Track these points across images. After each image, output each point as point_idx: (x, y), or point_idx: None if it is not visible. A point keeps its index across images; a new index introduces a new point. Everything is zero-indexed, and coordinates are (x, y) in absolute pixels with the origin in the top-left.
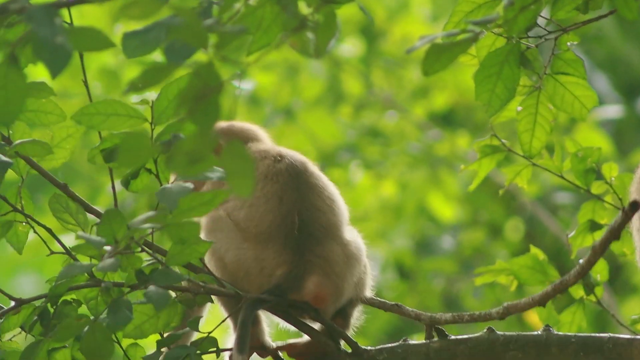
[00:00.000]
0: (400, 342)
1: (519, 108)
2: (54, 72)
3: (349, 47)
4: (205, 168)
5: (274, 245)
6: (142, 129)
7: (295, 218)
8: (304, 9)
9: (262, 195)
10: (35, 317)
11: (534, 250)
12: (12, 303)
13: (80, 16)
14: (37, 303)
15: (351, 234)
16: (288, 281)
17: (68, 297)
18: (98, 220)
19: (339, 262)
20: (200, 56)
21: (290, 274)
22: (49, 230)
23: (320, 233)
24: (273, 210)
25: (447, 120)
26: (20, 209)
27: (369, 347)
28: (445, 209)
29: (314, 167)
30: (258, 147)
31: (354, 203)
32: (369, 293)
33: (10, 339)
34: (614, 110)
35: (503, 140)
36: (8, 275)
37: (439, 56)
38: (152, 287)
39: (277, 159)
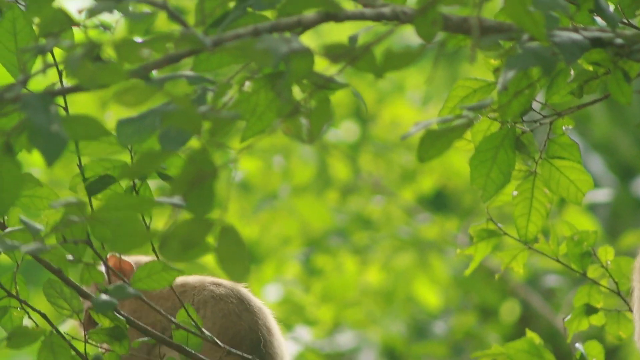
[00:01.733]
0: None
1: (515, 192)
2: (50, 160)
3: (339, 131)
4: (199, 254)
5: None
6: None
7: (259, 335)
8: (297, 94)
9: (217, 311)
10: None
11: (530, 334)
12: None
13: (70, 103)
14: None
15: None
16: None
17: None
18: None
19: None
20: (195, 142)
21: None
22: (43, 315)
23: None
24: (234, 325)
25: (435, 204)
26: (15, 294)
27: None
28: (431, 295)
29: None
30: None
31: (343, 288)
32: None
33: None
34: (607, 193)
35: (499, 225)
36: (3, 357)
37: (435, 142)
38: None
39: (216, 284)
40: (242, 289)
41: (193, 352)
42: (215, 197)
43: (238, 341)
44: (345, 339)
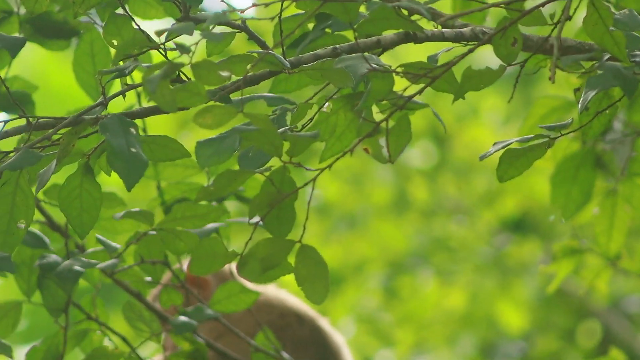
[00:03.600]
0: None
1: (596, 210)
2: (129, 184)
3: (416, 152)
4: (279, 275)
5: None
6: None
7: None
8: (377, 115)
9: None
10: None
11: (614, 352)
12: None
13: (148, 125)
14: None
15: None
16: None
17: None
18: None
19: None
20: (274, 162)
21: None
22: (123, 338)
23: None
24: None
25: (518, 226)
26: (95, 317)
27: None
28: (515, 318)
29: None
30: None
31: (423, 310)
32: None
33: None
34: None
35: (583, 240)
36: None
37: (514, 161)
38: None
39: (299, 319)
40: (323, 325)
41: None
42: (294, 218)
43: None
44: None
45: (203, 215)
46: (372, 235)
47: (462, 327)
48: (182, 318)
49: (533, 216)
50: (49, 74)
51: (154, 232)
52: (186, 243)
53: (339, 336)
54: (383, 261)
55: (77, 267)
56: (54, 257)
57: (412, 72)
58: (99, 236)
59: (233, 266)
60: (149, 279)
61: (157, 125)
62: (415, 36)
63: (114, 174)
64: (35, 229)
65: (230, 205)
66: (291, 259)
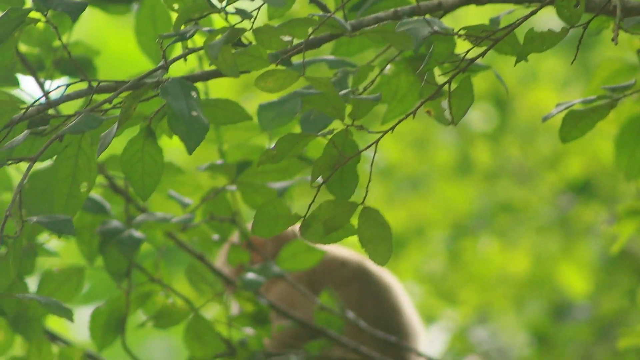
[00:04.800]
0: None
1: None
2: (191, 147)
3: (478, 114)
4: (342, 236)
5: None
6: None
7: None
8: (439, 77)
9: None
10: None
11: None
12: None
13: (204, 87)
14: None
15: None
16: None
17: None
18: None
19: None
20: (336, 125)
21: None
22: (186, 300)
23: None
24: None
25: (582, 188)
26: (157, 279)
27: None
28: (578, 281)
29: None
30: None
31: (484, 272)
32: None
33: None
34: None
35: None
36: (138, 340)
37: (577, 123)
38: None
39: (342, 263)
40: (369, 265)
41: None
42: (357, 180)
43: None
44: (489, 323)
45: (283, 169)
46: (435, 198)
47: (526, 290)
48: (250, 275)
49: (597, 178)
50: (109, 39)
51: (233, 187)
52: (263, 197)
53: (390, 276)
54: (446, 224)
55: (138, 235)
56: (115, 223)
57: (474, 34)
58: (172, 192)
59: (296, 228)
60: (216, 237)
61: (220, 89)
62: None
63: (175, 138)
64: (96, 193)
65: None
66: (354, 221)
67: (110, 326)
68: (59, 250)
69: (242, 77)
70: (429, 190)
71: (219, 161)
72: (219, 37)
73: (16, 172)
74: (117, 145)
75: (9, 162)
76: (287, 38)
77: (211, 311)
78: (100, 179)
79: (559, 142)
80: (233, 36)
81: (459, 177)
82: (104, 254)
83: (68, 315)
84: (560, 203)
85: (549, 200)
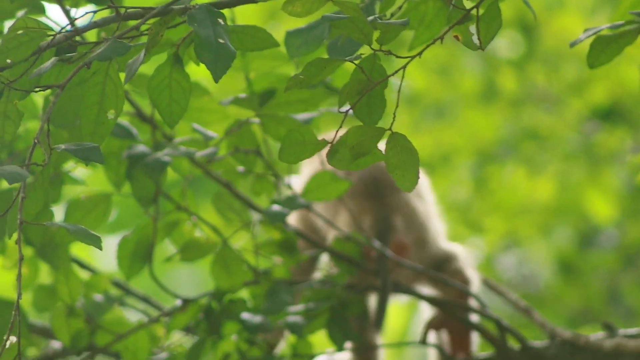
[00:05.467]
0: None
1: None
2: (217, 74)
3: (504, 41)
4: (369, 162)
5: (356, 198)
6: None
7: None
8: (466, 2)
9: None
10: (201, 316)
11: None
12: (178, 301)
13: (231, 14)
14: (202, 301)
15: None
16: (379, 225)
17: (234, 296)
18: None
19: (420, 211)
20: (364, 50)
21: (377, 218)
22: (214, 228)
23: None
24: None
25: (608, 114)
26: (184, 207)
27: (536, 342)
28: (603, 207)
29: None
30: None
31: (510, 200)
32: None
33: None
34: None
35: None
36: (164, 269)
37: (605, 48)
38: None
39: None
40: None
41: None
42: (385, 105)
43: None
44: (515, 251)
45: (307, 99)
46: (461, 125)
47: (552, 217)
48: (275, 207)
49: (623, 104)
50: None
51: (257, 120)
52: (287, 129)
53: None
54: (472, 151)
55: (164, 157)
56: (142, 148)
57: None
58: (196, 125)
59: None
60: (241, 168)
61: (246, 16)
62: None
63: (202, 65)
64: (123, 120)
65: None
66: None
67: (138, 255)
68: (86, 179)
69: (268, 5)
70: (455, 117)
71: (241, 95)
72: None
73: (42, 100)
74: (143, 72)
75: (37, 89)
76: None
77: (239, 240)
78: (127, 107)
79: (584, 68)
80: None
81: (485, 105)
82: (131, 179)
83: (96, 242)
84: (585, 130)
85: (574, 127)
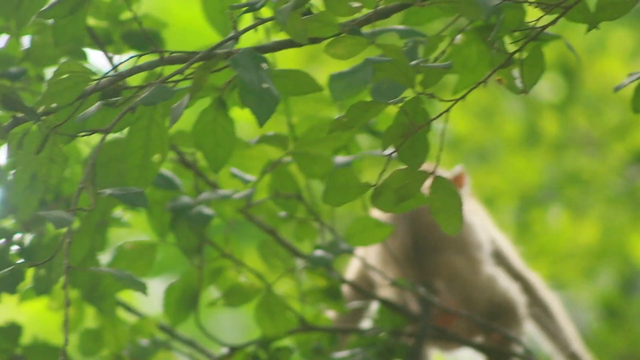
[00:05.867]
0: None
1: None
2: (261, 119)
3: (546, 84)
4: (413, 205)
5: (397, 265)
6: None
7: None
8: (509, 46)
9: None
10: None
11: None
12: (224, 349)
13: (272, 58)
14: (249, 349)
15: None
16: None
17: (280, 343)
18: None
19: (463, 270)
20: (407, 93)
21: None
22: (258, 274)
23: (438, 244)
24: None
25: None
26: (228, 253)
27: None
28: None
29: None
30: None
31: (554, 243)
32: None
33: None
34: None
35: None
36: (209, 315)
37: None
38: None
39: None
40: None
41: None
42: (428, 149)
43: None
44: (559, 295)
45: (335, 137)
46: (503, 169)
47: (596, 261)
48: (318, 252)
49: None
50: (175, 11)
51: (289, 159)
52: (320, 166)
53: None
54: (514, 195)
55: (208, 211)
56: (185, 199)
57: (545, 2)
58: (234, 169)
59: None
60: (283, 213)
61: (286, 59)
62: None
63: (245, 109)
64: (166, 168)
65: (361, 139)
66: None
67: (184, 302)
68: (130, 222)
69: (308, 49)
70: (497, 161)
71: (270, 133)
72: (288, 4)
73: (85, 146)
74: (186, 120)
75: (82, 133)
76: (356, 5)
77: (283, 287)
78: (169, 154)
79: (626, 112)
80: (302, 2)
81: (527, 148)
82: (175, 230)
83: (142, 288)
84: (628, 173)
85: (617, 170)
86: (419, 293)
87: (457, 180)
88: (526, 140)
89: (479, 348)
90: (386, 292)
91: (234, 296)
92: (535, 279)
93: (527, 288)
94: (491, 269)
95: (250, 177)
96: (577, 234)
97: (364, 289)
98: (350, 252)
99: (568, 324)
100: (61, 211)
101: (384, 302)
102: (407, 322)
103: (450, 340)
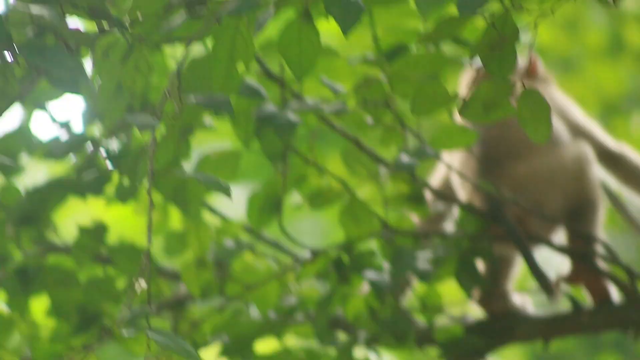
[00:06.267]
0: None
1: None
2: (346, 28)
3: None
4: (501, 115)
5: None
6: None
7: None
8: None
9: None
10: (331, 267)
11: None
12: (307, 253)
13: None
14: (332, 253)
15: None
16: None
17: (363, 247)
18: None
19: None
20: (494, 5)
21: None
22: (341, 181)
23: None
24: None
25: None
26: (312, 160)
27: None
28: None
29: None
30: None
31: (636, 151)
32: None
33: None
34: None
35: None
36: (290, 221)
37: None
38: None
39: None
40: None
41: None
42: (516, 59)
43: None
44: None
45: (435, 58)
46: (587, 78)
47: None
48: (404, 157)
49: None
50: None
51: (384, 79)
52: (413, 86)
53: None
54: (598, 104)
55: (294, 118)
56: (271, 107)
57: None
58: (324, 78)
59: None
60: (370, 120)
61: None
62: None
63: (330, 20)
64: (251, 78)
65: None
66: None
67: (267, 207)
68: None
69: None
70: (581, 71)
71: (369, 53)
72: None
73: (171, 60)
74: (271, 32)
75: (167, 42)
76: None
77: (366, 193)
78: (254, 66)
79: None
80: None
81: (611, 58)
82: (260, 138)
83: (227, 191)
84: None
85: None
86: (498, 195)
87: (531, 67)
88: (610, 51)
89: (560, 249)
90: (467, 198)
91: (318, 198)
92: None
93: (619, 162)
94: (576, 150)
95: (340, 87)
96: None
97: (447, 194)
98: (435, 157)
99: None
100: (146, 115)
101: (466, 207)
102: (489, 225)
103: (531, 241)
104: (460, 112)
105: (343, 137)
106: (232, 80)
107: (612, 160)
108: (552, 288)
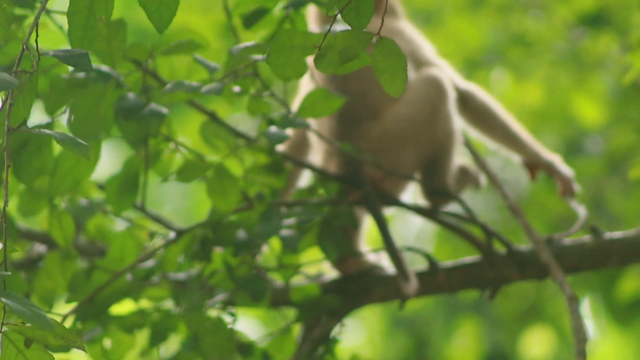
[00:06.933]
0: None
1: None
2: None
3: None
4: (357, 66)
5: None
6: None
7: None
8: None
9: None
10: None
11: None
12: (172, 233)
13: None
14: (197, 231)
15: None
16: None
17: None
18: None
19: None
20: None
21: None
22: (196, 153)
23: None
24: None
25: (595, 20)
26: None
27: (521, 247)
28: (591, 112)
29: None
30: None
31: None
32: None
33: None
34: None
35: None
36: (152, 203)
37: None
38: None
39: None
40: None
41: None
42: (373, 10)
43: None
44: (499, 156)
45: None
46: (448, 32)
47: (540, 122)
48: (272, 129)
49: (609, 10)
50: None
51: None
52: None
53: None
54: (459, 57)
55: (160, 110)
56: (132, 97)
57: None
58: (198, 56)
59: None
60: (237, 88)
61: None
62: None
63: None
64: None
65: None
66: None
67: (125, 189)
68: None
69: None
70: (442, 24)
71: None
72: None
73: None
74: None
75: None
76: None
77: (227, 165)
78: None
79: None
80: None
81: (472, 11)
82: (121, 125)
83: (84, 151)
84: (572, 35)
85: (561, 33)
86: (355, 157)
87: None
88: (471, 3)
89: (411, 208)
90: (324, 160)
91: (187, 172)
92: (469, 85)
93: (466, 100)
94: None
95: (215, 64)
96: (521, 96)
97: (305, 161)
98: (305, 125)
99: (516, 125)
100: (4, 73)
101: (324, 172)
102: (346, 189)
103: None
104: (316, 64)
105: (200, 111)
106: (91, 32)
107: (460, 98)
108: (406, 269)
